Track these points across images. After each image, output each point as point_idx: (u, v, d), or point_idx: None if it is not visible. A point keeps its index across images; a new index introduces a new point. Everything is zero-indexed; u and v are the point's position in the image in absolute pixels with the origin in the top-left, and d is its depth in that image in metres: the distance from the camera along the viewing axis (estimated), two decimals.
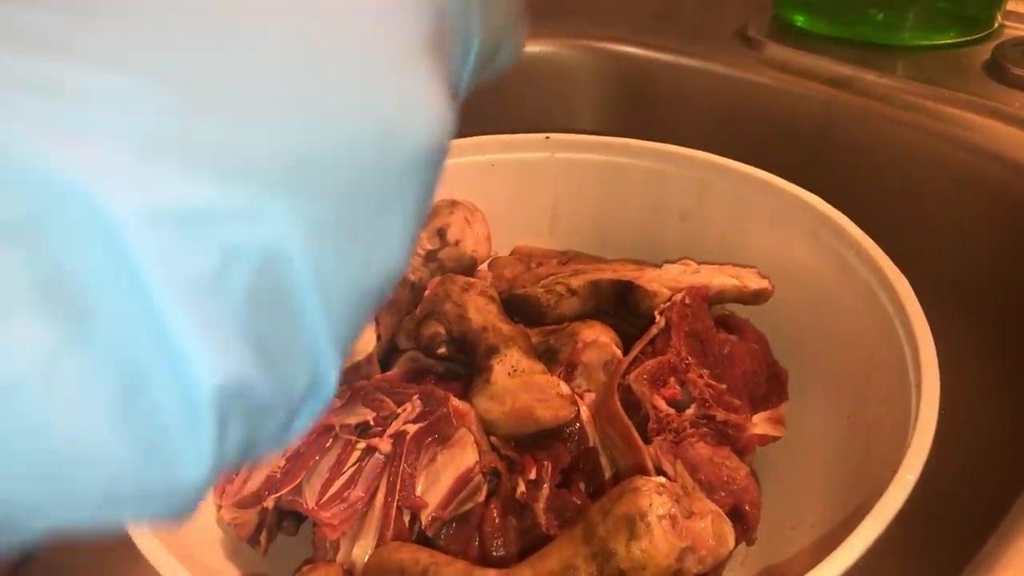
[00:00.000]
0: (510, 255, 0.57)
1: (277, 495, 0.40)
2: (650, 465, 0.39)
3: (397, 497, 0.40)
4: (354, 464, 0.41)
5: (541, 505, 0.41)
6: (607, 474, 0.43)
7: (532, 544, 0.39)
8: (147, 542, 0.33)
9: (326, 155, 0.14)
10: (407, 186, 0.16)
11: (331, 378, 0.16)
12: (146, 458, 0.13)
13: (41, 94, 0.12)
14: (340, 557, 0.40)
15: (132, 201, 0.13)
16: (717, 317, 0.48)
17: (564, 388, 0.42)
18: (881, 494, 0.32)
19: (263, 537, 0.42)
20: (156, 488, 0.14)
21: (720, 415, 0.43)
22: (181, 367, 0.13)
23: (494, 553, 0.40)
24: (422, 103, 0.16)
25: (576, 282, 0.49)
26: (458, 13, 0.18)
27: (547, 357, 0.45)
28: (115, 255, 0.13)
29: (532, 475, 0.41)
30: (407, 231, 0.16)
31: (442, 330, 0.46)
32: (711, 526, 0.33)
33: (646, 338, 0.44)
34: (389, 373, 0.47)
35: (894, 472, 0.33)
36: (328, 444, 0.42)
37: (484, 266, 0.55)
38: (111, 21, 0.13)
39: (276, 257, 0.14)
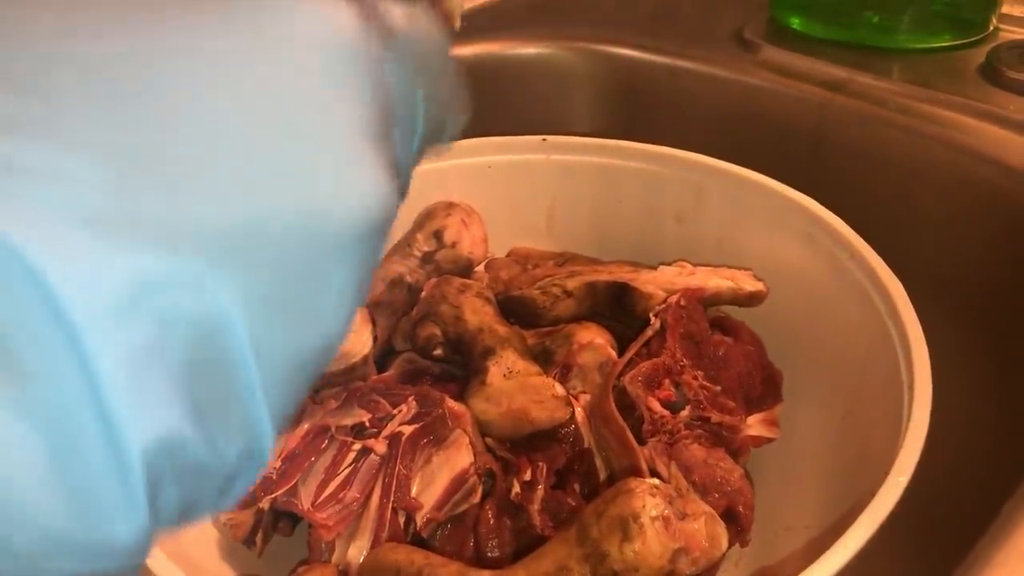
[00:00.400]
0: (506, 257, 0.57)
1: (273, 496, 0.40)
2: (644, 466, 0.39)
3: (392, 498, 0.40)
4: (349, 465, 0.41)
5: (536, 506, 0.41)
6: (602, 475, 0.43)
7: (527, 545, 0.39)
8: None
9: (265, 230, 0.15)
10: (343, 262, 0.17)
11: (267, 445, 0.17)
12: (79, 517, 0.14)
13: None
14: (335, 558, 0.40)
15: (76, 274, 0.13)
16: (712, 319, 0.48)
17: (559, 390, 0.42)
18: (874, 495, 0.32)
19: (259, 538, 0.42)
20: (90, 546, 0.14)
21: (715, 417, 0.43)
22: (114, 430, 0.14)
23: (489, 554, 0.40)
24: (360, 184, 0.16)
25: (572, 284, 0.49)
26: (404, 95, 0.18)
27: (543, 359, 0.46)
28: (57, 325, 0.13)
29: (527, 476, 0.41)
30: (344, 305, 0.17)
31: (438, 332, 0.47)
32: (704, 527, 0.33)
33: (641, 340, 0.44)
34: (385, 374, 0.47)
35: (887, 472, 0.33)
36: (324, 445, 0.42)
37: (481, 267, 0.55)
38: (62, 99, 0.14)
39: (215, 327, 0.15)
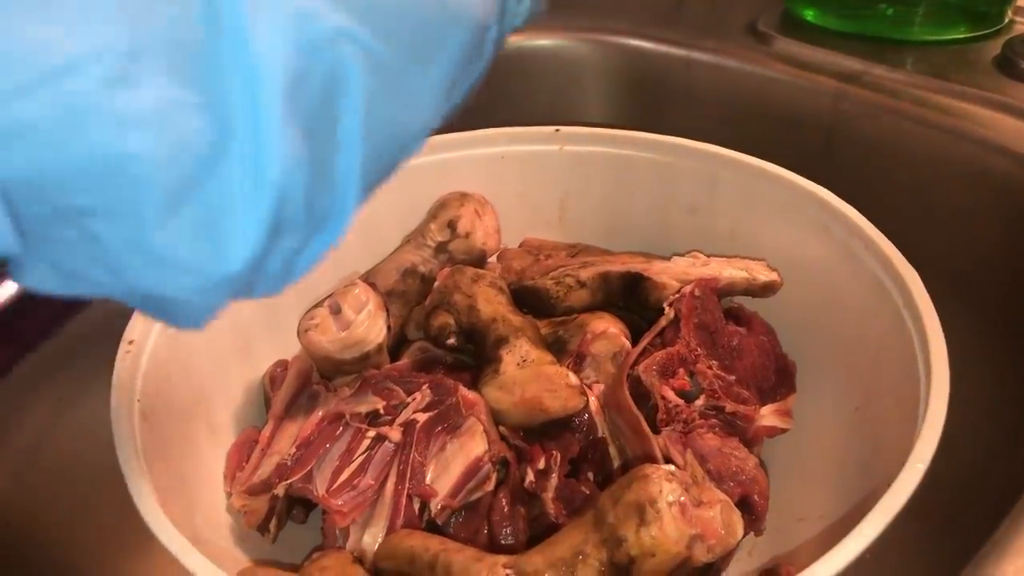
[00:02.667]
0: (519, 247, 0.57)
1: (288, 482, 0.41)
2: (659, 455, 0.39)
3: (407, 485, 0.40)
4: (364, 452, 0.41)
5: (550, 494, 0.41)
6: (615, 464, 0.43)
7: (541, 533, 0.39)
8: (158, 522, 0.33)
9: (399, 6, 0.17)
10: (450, 48, 0.19)
11: (349, 211, 0.18)
12: (207, 224, 0.16)
13: None
14: (350, 544, 0.40)
15: (265, 13, 0.15)
16: (726, 309, 0.48)
17: (573, 379, 0.42)
18: (889, 484, 0.32)
19: (272, 525, 0.43)
20: (201, 255, 0.16)
21: (729, 406, 0.43)
22: (261, 147, 0.16)
23: (503, 542, 0.40)
24: None
25: (585, 274, 0.49)
26: None
27: (556, 348, 0.46)
28: (234, 38, 0.15)
29: (541, 464, 0.41)
30: (442, 94, 0.19)
31: (451, 321, 0.47)
32: (720, 515, 0.33)
33: (655, 329, 0.44)
34: (399, 363, 0.47)
35: (901, 463, 0.33)
36: (338, 432, 0.42)
37: (493, 258, 0.55)
38: None
39: (340, 78, 0.17)
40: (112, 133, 0.14)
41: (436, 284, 0.49)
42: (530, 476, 0.41)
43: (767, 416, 0.45)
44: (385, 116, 0.18)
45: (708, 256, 0.50)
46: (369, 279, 0.50)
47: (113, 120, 0.14)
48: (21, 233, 0.15)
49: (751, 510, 0.39)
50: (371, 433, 0.41)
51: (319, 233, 0.18)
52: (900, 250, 0.43)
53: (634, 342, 0.45)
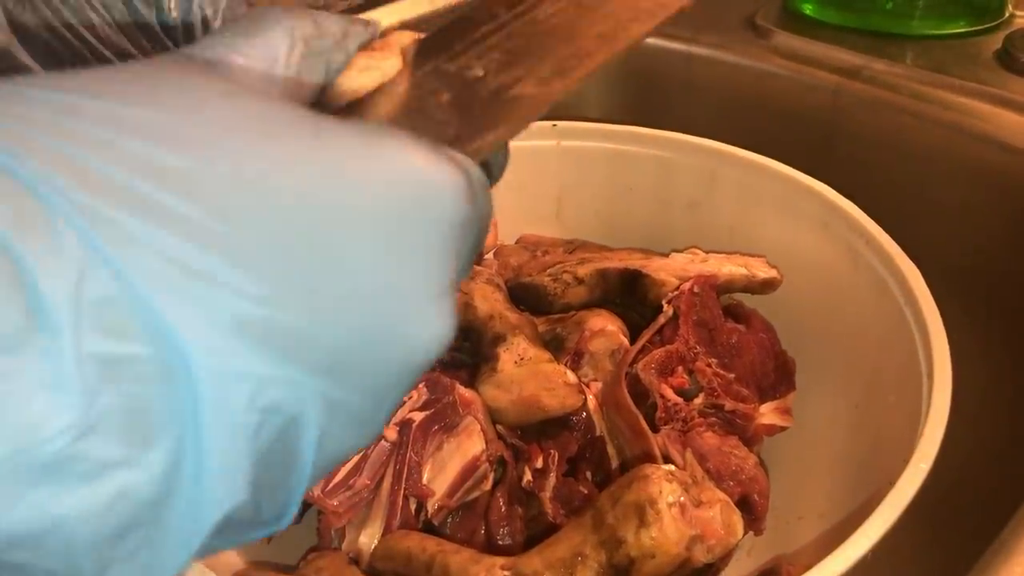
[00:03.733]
0: (516, 243, 0.57)
1: None
2: (658, 454, 0.39)
3: (403, 485, 0.39)
4: (360, 451, 0.41)
5: (548, 494, 0.40)
6: (614, 463, 0.42)
7: (538, 533, 0.39)
8: None
9: (358, 352, 0.18)
10: (403, 386, 0.20)
11: (292, 513, 0.19)
12: (132, 558, 0.16)
13: (179, 270, 0.16)
14: (345, 545, 0.39)
15: (212, 364, 0.16)
16: (725, 307, 0.48)
17: (571, 377, 0.42)
18: (891, 484, 0.32)
19: None
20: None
21: (728, 404, 0.42)
22: (202, 496, 0.16)
23: (500, 542, 0.40)
24: (436, 328, 0.19)
25: (583, 271, 0.48)
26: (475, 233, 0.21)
27: (554, 346, 0.45)
28: (189, 401, 0.16)
29: (539, 464, 0.41)
30: (389, 417, 0.20)
31: None
32: (720, 515, 0.32)
33: (654, 327, 0.44)
34: None
35: (903, 462, 0.33)
36: None
37: (490, 255, 0.55)
38: (240, 218, 0.17)
39: (297, 424, 0.18)
40: (53, 496, 0.15)
41: None
42: (528, 475, 0.41)
43: (767, 414, 0.45)
44: (339, 446, 0.19)
45: (707, 252, 0.49)
46: None
47: (56, 484, 0.15)
48: None
49: (751, 510, 0.39)
50: None
51: (265, 528, 0.19)
52: (900, 246, 0.43)
53: (632, 340, 0.45)
